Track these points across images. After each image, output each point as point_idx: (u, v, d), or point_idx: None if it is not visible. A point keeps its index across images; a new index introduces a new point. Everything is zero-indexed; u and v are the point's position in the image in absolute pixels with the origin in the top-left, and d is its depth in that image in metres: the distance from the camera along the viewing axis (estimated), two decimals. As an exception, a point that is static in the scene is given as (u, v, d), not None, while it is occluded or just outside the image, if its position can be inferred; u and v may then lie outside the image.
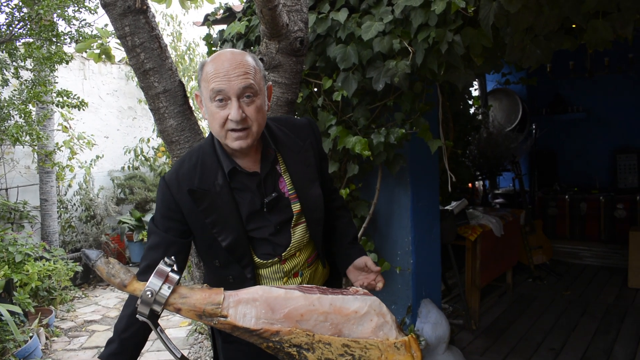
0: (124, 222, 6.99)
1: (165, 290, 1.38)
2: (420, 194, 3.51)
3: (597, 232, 6.39)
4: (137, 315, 1.38)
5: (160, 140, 7.61)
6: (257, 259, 1.67)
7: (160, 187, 1.66)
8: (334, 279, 1.92)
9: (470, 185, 6.02)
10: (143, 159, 7.58)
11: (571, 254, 6.49)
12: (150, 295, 1.37)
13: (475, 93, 6.43)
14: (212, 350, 3.76)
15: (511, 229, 4.99)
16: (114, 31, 2.37)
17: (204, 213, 1.61)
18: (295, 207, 1.68)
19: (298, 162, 1.69)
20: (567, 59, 6.30)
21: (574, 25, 2.39)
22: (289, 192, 1.68)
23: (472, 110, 5.77)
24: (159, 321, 1.42)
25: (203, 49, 7.24)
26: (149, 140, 7.65)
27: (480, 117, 6.04)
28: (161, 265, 1.40)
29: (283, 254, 1.68)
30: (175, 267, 1.42)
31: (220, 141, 1.61)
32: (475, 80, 6.06)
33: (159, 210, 1.66)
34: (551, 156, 7.13)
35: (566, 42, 2.32)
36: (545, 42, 2.22)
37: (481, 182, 6.57)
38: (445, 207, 4.23)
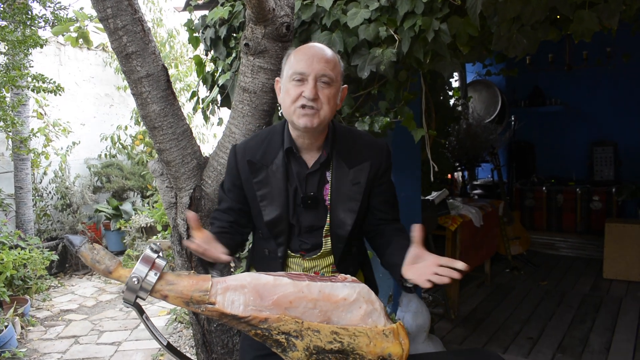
0: (100, 211, 6.88)
1: (152, 277, 1.36)
2: (403, 183, 3.51)
3: (573, 223, 6.49)
4: (123, 303, 1.36)
5: (138, 128, 7.50)
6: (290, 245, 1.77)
7: (230, 154, 1.84)
8: None
9: (449, 176, 6.06)
10: (120, 146, 7.46)
11: (548, 244, 6.58)
12: (136, 282, 1.34)
13: (455, 84, 6.45)
14: (191, 340, 3.73)
15: (490, 220, 5.04)
16: (91, 14, 2.31)
17: (257, 185, 1.75)
18: (329, 217, 1.74)
19: (346, 176, 1.74)
20: (547, 52, 6.36)
21: (558, 17, 2.39)
22: (328, 202, 1.74)
23: (452, 102, 5.79)
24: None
25: (184, 36, 7.13)
26: (126, 127, 7.53)
27: (459, 108, 6.07)
28: (148, 252, 1.37)
29: (306, 256, 1.76)
30: (161, 254, 1.40)
31: (288, 120, 1.71)
32: (457, 71, 6.09)
33: (226, 176, 1.88)
34: (529, 148, 7.20)
35: (552, 32, 2.33)
36: (531, 32, 2.23)
37: (460, 173, 6.61)
38: (427, 197, 4.25)
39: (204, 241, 1.51)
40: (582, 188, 6.39)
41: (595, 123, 6.70)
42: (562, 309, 4.62)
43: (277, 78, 1.77)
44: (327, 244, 1.75)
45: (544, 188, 6.65)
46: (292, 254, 1.77)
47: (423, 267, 1.46)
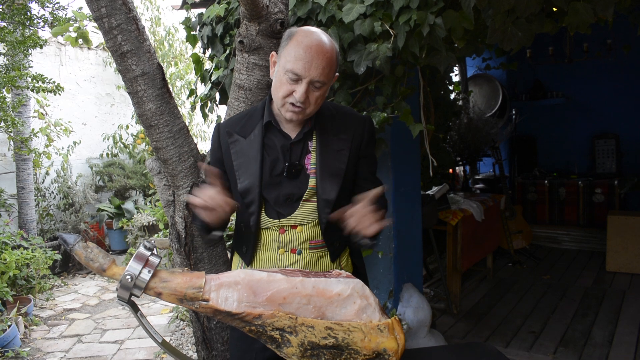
0: (103, 210, 6.91)
1: (146, 275, 1.36)
2: (402, 178, 3.51)
3: (575, 216, 6.47)
4: (117, 301, 1.36)
5: (139, 127, 7.51)
6: (263, 214, 1.78)
7: (214, 130, 1.91)
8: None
9: (450, 170, 6.05)
10: (122, 145, 7.48)
11: (550, 238, 6.57)
12: (130, 280, 1.35)
13: (455, 78, 6.44)
14: (193, 337, 3.74)
15: (491, 214, 5.03)
16: (90, 14, 2.31)
17: (234, 156, 1.80)
18: (312, 182, 1.76)
19: (330, 144, 1.79)
20: (547, 45, 6.34)
21: (554, 9, 2.38)
22: (311, 168, 1.77)
23: (452, 96, 5.77)
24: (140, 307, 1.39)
25: (182, 33, 7.13)
26: (127, 127, 7.55)
27: (460, 102, 6.05)
28: (141, 249, 1.37)
29: (282, 220, 1.76)
30: (155, 251, 1.40)
31: (275, 104, 1.75)
32: (456, 65, 6.07)
33: (210, 152, 1.94)
34: (531, 141, 7.19)
35: (547, 25, 2.32)
36: (526, 25, 2.22)
37: (462, 168, 6.60)
38: (427, 192, 4.24)
39: (210, 197, 1.59)
40: (585, 181, 6.37)
41: (597, 115, 6.67)
42: (564, 303, 4.61)
43: (272, 52, 1.79)
44: (303, 207, 1.76)
45: (546, 181, 6.63)
46: (267, 222, 1.78)
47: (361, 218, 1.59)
